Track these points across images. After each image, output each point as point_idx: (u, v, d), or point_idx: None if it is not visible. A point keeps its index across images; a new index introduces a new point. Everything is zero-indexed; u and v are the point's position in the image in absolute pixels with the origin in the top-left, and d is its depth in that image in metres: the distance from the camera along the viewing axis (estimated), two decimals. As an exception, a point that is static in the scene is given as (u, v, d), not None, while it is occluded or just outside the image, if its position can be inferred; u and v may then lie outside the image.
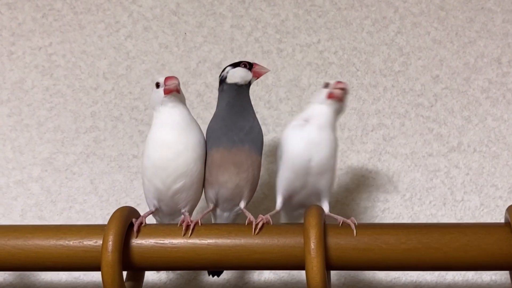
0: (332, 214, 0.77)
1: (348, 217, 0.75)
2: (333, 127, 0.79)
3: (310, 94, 1.04)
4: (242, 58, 1.06)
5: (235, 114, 0.79)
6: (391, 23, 1.07)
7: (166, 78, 0.78)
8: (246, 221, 0.75)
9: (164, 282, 0.95)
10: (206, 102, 1.03)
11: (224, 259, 0.72)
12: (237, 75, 0.81)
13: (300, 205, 0.80)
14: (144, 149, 0.80)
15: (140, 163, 1.00)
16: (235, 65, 0.83)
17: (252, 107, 0.82)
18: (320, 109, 0.79)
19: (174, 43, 1.08)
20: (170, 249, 0.72)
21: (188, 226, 0.74)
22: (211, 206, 0.80)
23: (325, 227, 0.73)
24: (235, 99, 0.80)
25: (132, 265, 0.73)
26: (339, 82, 0.78)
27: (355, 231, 0.72)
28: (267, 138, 1.01)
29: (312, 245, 0.69)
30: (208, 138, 0.80)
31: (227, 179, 0.78)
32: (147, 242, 0.73)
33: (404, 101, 1.03)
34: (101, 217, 0.97)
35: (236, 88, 0.81)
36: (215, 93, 1.04)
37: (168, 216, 0.81)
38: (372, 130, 1.01)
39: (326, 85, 0.80)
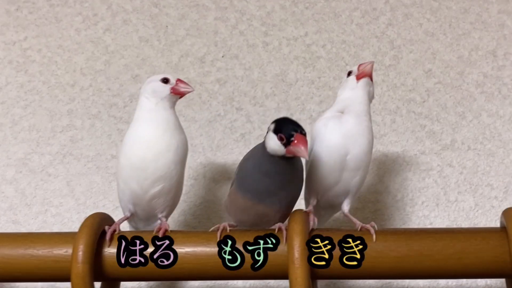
0: (350, 216, 0.73)
1: (366, 223, 0.70)
2: (369, 116, 0.75)
3: (297, 90, 0.99)
4: (226, 52, 1.02)
5: (270, 183, 0.68)
6: (382, 15, 1.03)
7: (181, 80, 0.76)
8: (276, 229, 0.69)
9: (144, 288, 0.91)
10: (188, 99, 0.98)
11: (202, 268, 0.67)
12: (270, 146, 0.66)
13: (328, 205, 0.75)
14: (121, 146, 0.75)
15: (119, 163, 0.95)
16: (275, 128, 0.66)
17: (297, 173, 0.69)
18: (354, 96, 0.75)
19: (155, 36, 1.03)
20: (145, 259, 0.68)
21: (166, 232, 0.70)
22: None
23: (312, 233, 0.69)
24: (271, 167, 0.67)
25: (104, 275, 0.68)
26: (369, 62, 0.76)
27: (374, 236, 0.67)
28: (253, 135, 0.97)
29: (296, 254, 0.65)
30: (238, 177, 0.71)
31: (246, 220, 0.71)
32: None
33: (395, 96, 0.98)
34: (78, 221, 0.92)
35: (271, 156, 0.67)
36: (199, 88, 0.99)
37: (144, 222, 0.76)
38: (362, 127, 0.96)
39: (350, 73, 0.78)
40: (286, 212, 0.70)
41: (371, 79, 0.77)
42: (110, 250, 0.69)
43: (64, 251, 0.68)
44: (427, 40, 1.01)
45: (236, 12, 1.04)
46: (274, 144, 0.66)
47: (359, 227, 0.69)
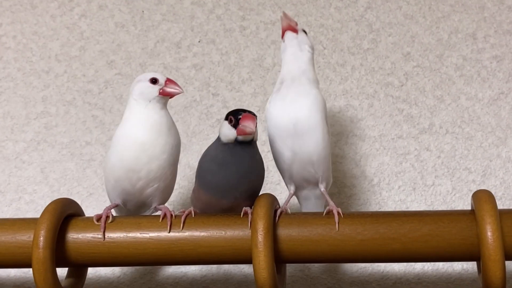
0: (326, 195, 0.72)
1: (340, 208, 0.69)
2: (311, 73, 0.74)
3: (275, 75, 0.98)
4: (203, 37, 1.00)
5: (227, 174, 0.67)
6: (361, -2, 1.01)
7: (170, 80, 0.73)
8: (242, 213, 0.68)
9: (117, 276, 0.90)
10: (164, 84, 0.97)
11: (166, 253, 0.67)
12: (222, 133, 0.68)
13: (304, 180, 0.73)
14: (112, 144, 0.73)
15: (92, 150, 0.95)
16: (227, 115, 0.69)
17: (254, 161, 0.69)
18: (286, 59, 0.75)
19: (131, 22, 1.02)
20: (109, 244, 0.67)
21: (173, 217, 0.68)
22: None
23: (277, 214, 0.68)
24: (227, 157, 0.68)
25: (67, 261, 0.68)
26: (284, 16, 0.76)
27: (337, 225, 0.66)
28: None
29: (260, 237, 0.64)
30: (198, 174, 0.71)
31: (214, 212, 0.71)
32: (83, 237, 0.68)
33: (373, 80, 0.97)
34: (52, 207, 0.91)
35: (222, 145, 0.69)
36: (175, 74, 0.98)
37: (134, 211, 0.75)
38: (339, 112, 0.95)
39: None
40: (249, 204, 0.69)
41: (294, 31, 0.75)
42: (73, 236, 0.68)
43: (27, 236, 0.68)
44: (406, 23, 0.99)
45: (213, -3, 1.03)
46: (225, 129, 0.67)
47: (325, 211, 0.68)
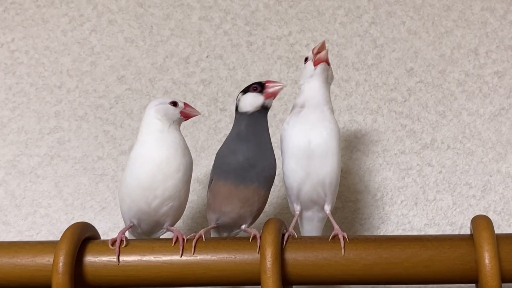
0: (331, 217, 0.75)
1: (345, 226, 0.72)
2: (330, 104, 0.78)
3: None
4: (210, 52, 1.03)
5: (247, 148, 0.73)
6: (365, 13, 1.03)
7: (187, 104, 0.80)
8: (251, 237, 0.72)
9: None
10: (173, 99, 1.00)
11: (179, 277, 0.70)
12: (247, 103, 0.76)
13: (311, 201, 0.76)
14: (129, 164, 0.76)
15: (104, 164, 0.98)
16: (245, 90, 0.77)
17: (269, 136, 0.76)
18: (312, 85, 0.78)
19: (140, 37, 1.04)
20: (124, 267, 0.70)
21: (184, 241, 0.72)
22: (213, 225, 0.77)
23: (284, 239, 0.71)
24: (247, 130, 0.75)
25: (85, 284, 0.71)
26: (323, 46, 0.78)
27: (343, 250, 0.70)
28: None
29: (268, 264, 0.67)
30: (216, 166, 0.76)
31: (230, 210, 0.74)
32: (100, 261, 0.71)
33: (376, 96, 0.99)
34: (66, 221, 0.95)
35: (247, 117, 0.75)
36: (183, 89, 1.01)
37: (148, 232, 0.78)
38: (343, 127, 0.98)
39: (307, 59, 0.80)
40: (264, 194, 0.75)
41: (328, 63, 0.79)
42: (90, 259, 0.71)
43: (46, 260, 0.71)
44: (410, 38, 1.01)
45: (220, 12, 1.05)
46: (250, 99, 0.75)
47: (331, 236, 0.71)
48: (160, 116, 0.77)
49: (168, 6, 1.05)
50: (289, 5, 1.04)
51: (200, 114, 0.81)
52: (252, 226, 0.77)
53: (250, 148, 0.73)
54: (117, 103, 1.01)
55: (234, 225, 0.77)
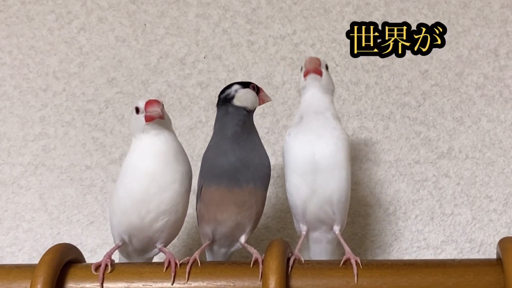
0: (341, 238, 0.68)
1: (355, 250, 0.65)
2: (333, 110, 0.71)
3: (284, 94, 0.93)
4: (208, 53, 0.95)
5: (240, 146, 0.68)
6: (375, 10, 0.96)
7: (147, 103, 0.67)
8: (252, 262, 0.64)
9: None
10: (168, 104, 0.92)
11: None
12: (248, 99, 0.71)
13: (318, 221, 0.69)
14: (120, 176, 0.69)
15: (93, 174, 0.90)
16: (244, 85, 0.72)
17: (259, 136, 0.71)
18: (308, 95, 0.72)
19: (133, 36, 0.97)
20: (110, 296, 0.63)
21: (177, 266, 0.64)
22: (207, 242, 0.70)
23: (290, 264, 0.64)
24: (242, 127, 0.69)
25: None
26: (310, 58, 0.73)
27: (356, 277, 0.62)
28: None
29: (271, 293, 0.59)
30: (205, 171, 0.69)
31: (227, 218, 0.68)
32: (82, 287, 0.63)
33: (388, 100, 0.92)
34: (51, 237, 0.87)
35: (244, 114, 0.70)
36: (179, 93, 0.93)
37: (138, 252, 0.70)
38: (352, 134, 0.90)
39: (302, 69, 0.74)
40: (261, 195, 0.69)
41: (319, 73, 0.72)
42: (71, 285, 0.64)
43: (23, 287, 0.63)
44: (424, 38, 0.94)
45: (219, 8, 0.97)
46: (251, 96, 0.71)
47: (343, 261, 0.64)
48: (131, 129, 0.70)
49: (163, 2, 0.98)
50: (293, 2, 0.97)
51: (161, 114, 0.67)
52: (252, 236, 0.70)
53: (243, 147, 0.68)
54: (107, 108, 0.93)
55: (232, 236, 0.70)
